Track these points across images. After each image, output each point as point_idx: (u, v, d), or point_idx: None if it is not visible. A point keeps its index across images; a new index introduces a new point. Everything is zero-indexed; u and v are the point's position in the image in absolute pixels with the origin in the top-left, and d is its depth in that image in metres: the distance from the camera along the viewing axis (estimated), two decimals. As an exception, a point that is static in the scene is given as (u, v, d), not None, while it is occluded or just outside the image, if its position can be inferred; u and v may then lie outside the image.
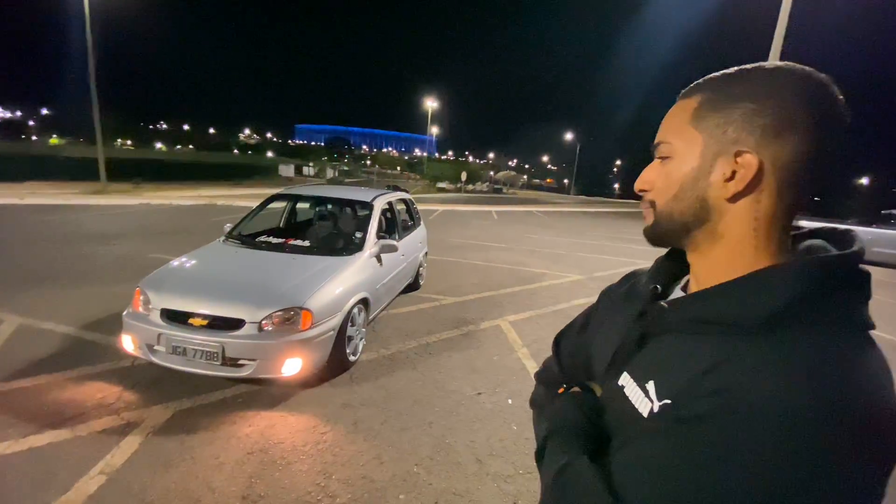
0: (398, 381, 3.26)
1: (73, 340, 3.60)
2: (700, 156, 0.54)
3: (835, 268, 0.48)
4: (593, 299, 0.81)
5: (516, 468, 2.42)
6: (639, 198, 0.62)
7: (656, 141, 0.59)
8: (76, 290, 4.78)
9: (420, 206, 7.05)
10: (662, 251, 0.68)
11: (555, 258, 8.66)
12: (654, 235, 0.61)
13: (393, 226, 4.97)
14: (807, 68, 0.51)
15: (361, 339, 3.59)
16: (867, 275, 0.49)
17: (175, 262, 3.48)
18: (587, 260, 8.59)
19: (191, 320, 2.85)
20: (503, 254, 8.72)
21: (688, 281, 0.63)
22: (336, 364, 3.21)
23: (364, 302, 3.57)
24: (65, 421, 2.56)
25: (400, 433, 2.64)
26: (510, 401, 3.10)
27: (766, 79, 0.51)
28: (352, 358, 3.37)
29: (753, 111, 0.50)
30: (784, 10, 9.51)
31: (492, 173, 68.80)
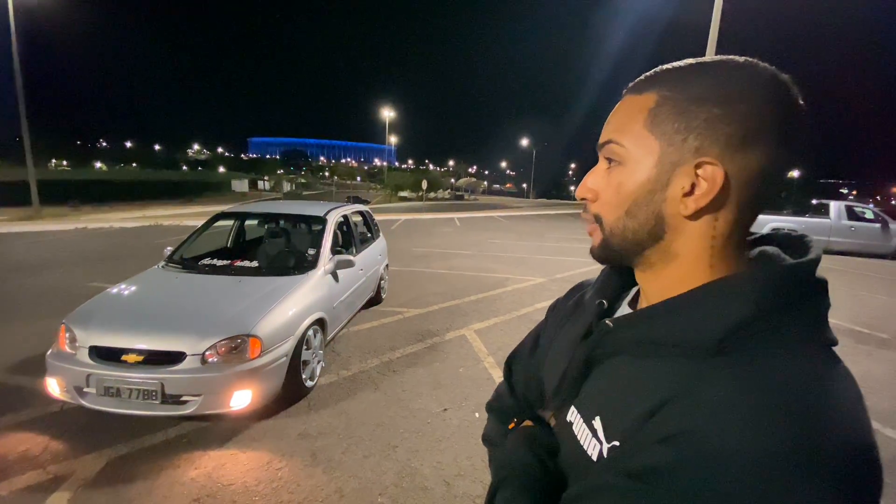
0: (359, 405, 3.11)
1: (-9, 387, 3.22)
2: (656, 165, 0.46)
3: (793, 278, 0.43)
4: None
5: (484, 487, 2.32)
6: None
7: (604, 139, 0.50)
8: (-3, 329, 4.31)
9: (382, 217, 6.91)
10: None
11: (517, 262, 8.71)
12: (603, 255, 0.53)
13: (349, 240, 4.81)
14: (771, 67, 0.45)
15: (319, 362, 3.41)
16: (824, 283, 0.45)
17: (106, 294, 3.18)
18: (548, 262, 8.69)
19: (124, 357, 2.59)
20: (467, 261, 8.69)
21: (636, 294, 0.57)
22: (291, 392, 3.01)
23: (320, 322, 3.40)
24: (-19, 480, 2.26)
25: (362, 461, 2.49)
26: (477, 415, 3.02)
27: (731, 78, 0.44)
28: (309, 384, 3.18)
29: (718, 117, 0.43)
30: (717, 9, 10.11)
31: (453, 180, 69.26)
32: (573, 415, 0.54)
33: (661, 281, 0.49)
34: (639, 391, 0.45)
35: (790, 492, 0.33)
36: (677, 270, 0.48)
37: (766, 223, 12.19)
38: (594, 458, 0.47)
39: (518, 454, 0.57)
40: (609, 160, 0.50)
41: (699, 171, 0.44)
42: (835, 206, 11.89)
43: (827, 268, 9.50)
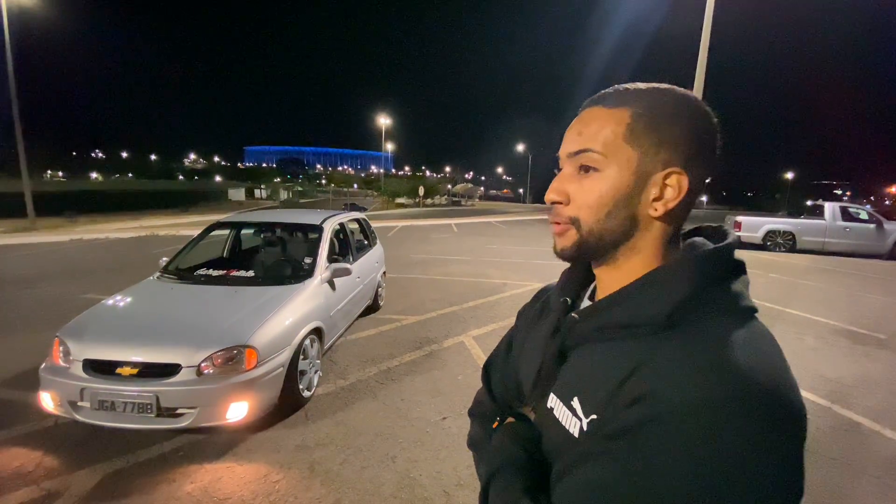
0: (358, 415, 3.08)
1: (-16, 402, 3.18)
2: (634, 174, 0.53)
3: (716, 260, 0.52)
4: None
5: (486, 497, 2.30)
6: None
7: (580, 148, 0.55)
8: (-10, 343, 4.27)
9: (379, 223, 6.91)
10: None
11: (515, 267, 8.71)
12: (576, 254, 0.58)
13: (346, 248, 4.79)
14: (701, 100, 0.56)
15: (316, 371, 3.38)
16: (739, 263, 0.54)
17: (100, 306, 3.15)
18: (546, 267, 8.68)
19: (118, 370, 2.56)
20: (464, 267, 8.67)
21: (594, 289, 0.64)
22: (288, 403, 2.98)
23: (317, 332, 3.38)
24: (-27, 498, 2.22)
25: (360, 472, 2.46)
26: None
27: (686, 105, 0.54)
28: (306, 394, 3.15)
29: (683, 134, 0.53)
30: (707, 16, 10.20)
31: (450, 186, 69.39)
32: (553, 401, 0.59)
33: (620, 273, 0.57)
34: (608, 369, 0.51)
35: (729, 430, 0.41)
36: (636, 263, 0.56)
37: (763, 225, 12.24)
38: (576, 434, 0.53)
39: (504, 448, 0.61)
40: (584, 167, 0.55)
41: (668, 180, 0.53)
42: (829, 208, 11.96)
43: (822, 268, 9.61)
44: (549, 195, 0.58)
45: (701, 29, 10.33)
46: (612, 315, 0.54)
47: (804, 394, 2.62)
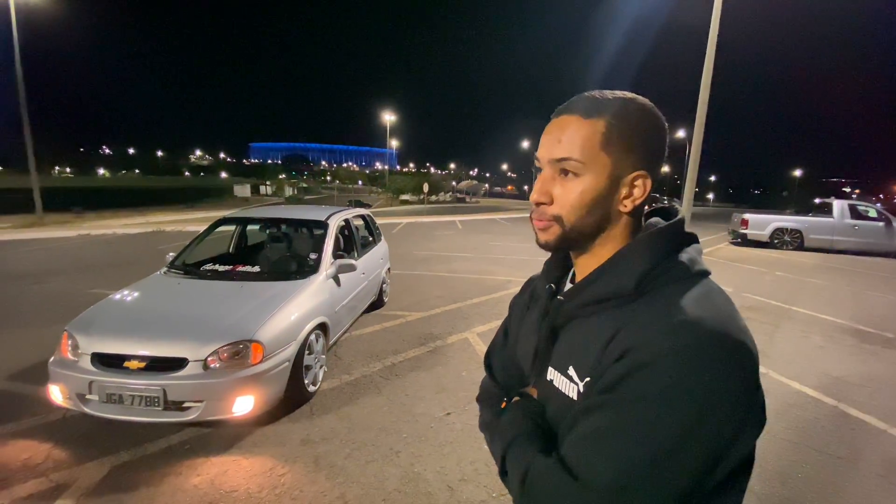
0: (362, 409, 3.09)
1: (-6, 395, 3.22)
2: (609, 177, 0.62)
3: (668, 235, 0.63)
4: None
5: (489, 492, 2.31)
6: None
7: (563, 156, 0.63)
8: (2, 337, 4.32)
9: (383, 220, 6.92)
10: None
11: (519, 264, 8.70)
12: (559, 245, 0.67)
13: (351, 244, 4.80)
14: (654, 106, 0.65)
15: (321, 366, 3.40)
16: (691, 235, 0.65)
17: (108, 300, 3.18)
18: (550, 264, 8.63)
19: (126, 363, 2.58)
20: (468, 263, 8.68)
21: (573, 274, 0.74)
22: (294, 397, 3.00)
23: (322, 327, 3.39)
24: (-17, 489, 2.25)
25: (365, 466, 2.48)
26: (480, 419, 3.00)
27: (649, 113, 0.63)
28: (311, 388, 3.17)
29: (646, 141, 0.63)
30: (716, 12, 10.09)
31: (454, 183, 69.26)
32: (552, 373, 0.67)
33: (595, 258, 0.67)
34: (594, 337, 0.60)
35: (696, 367, 0.51)
36: (608, 249, 0.66)
37: (770, 223, 12.13)
38: (574, 397, 0.61)
39: (515, 422, 0.68)
40: (565, 172, 0.64)
41: (636, 182, 0.63)
42: (838, 205, 11.84)
43: (830, 267, 9.52)
44: (535, 196, 0.66)
45: (708, 25, 10.22)
46: (590, 292, 0.63)
47: (810, 392, 2.60)
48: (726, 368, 0.51)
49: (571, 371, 0.62)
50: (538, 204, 0.66)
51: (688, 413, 0.49)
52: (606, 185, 0.63)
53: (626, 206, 0.64)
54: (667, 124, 0.65)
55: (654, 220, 0.70)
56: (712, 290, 0.59)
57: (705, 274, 0.61)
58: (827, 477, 2.51)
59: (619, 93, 0.64)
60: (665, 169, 0.70)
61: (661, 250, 0.61)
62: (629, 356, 0.53)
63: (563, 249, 0.69)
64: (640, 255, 0.61)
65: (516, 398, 0.73)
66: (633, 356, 0.53)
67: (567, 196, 0.64)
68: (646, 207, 0.68)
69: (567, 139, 0.63)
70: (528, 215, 0.70)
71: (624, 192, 0.63)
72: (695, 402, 0.49)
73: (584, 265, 0.68)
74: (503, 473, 0.66)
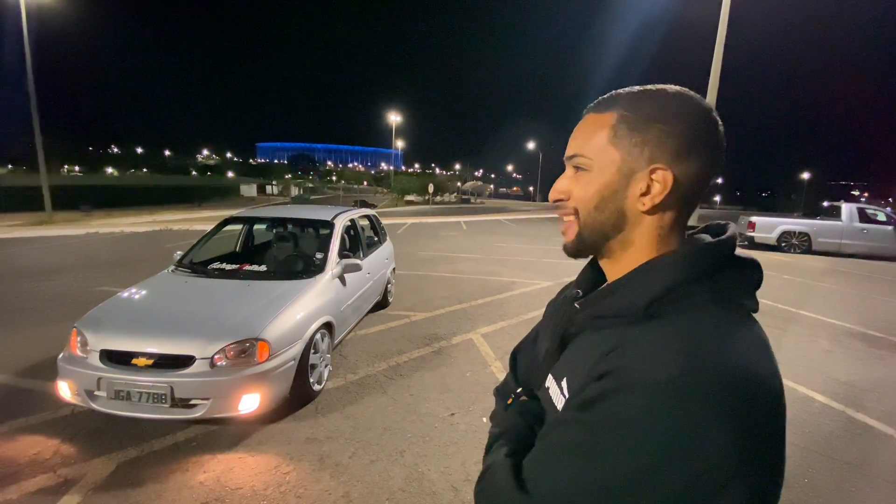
0: (367, 409, 3.11)
1: (5, 390, 3.27)
2: (618, 171, 0.58)
3: (705, 255, 0.54)
4: None
5: (493, 493, 2.31)
6: None
7: (572, 153, 0.61)
8: (11, 333, 4.38)
9: (388, 220, 6.94)
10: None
11: (524, 266, 8.68)
12: (577, 248, 0.63)
13: (357, 244, 4.82)
14: (697, 95, 0.57)
15: (326, 365, 3.42)
16: (747, 261, 0.56)
17: (116, 298, 3.22)
18: (556, 266, 8.64)
19: (134, 360, 2.61)
20: (473, 264, 8.68)
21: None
22: (299, 395, 3.02)
23: (328, 326, 3.41)
24: (-7, 483, 2.28)
25: (369, 466, 2.49)
26: (485, 419, 3.00)
27: (674, 102, 0.57)
28: (316, 387, 3.19)
29: (666, 132, 0.55)
30: (724, 14, 10.05)
31: (459, 184, 69.29)
32: (549, 381, 0.65)
33: (620, 265, 0.61)
34: (590, 353, 0.56)
35: (675, 408, 0.44)
36: (631, 255, 0.60)
37: (777, 226, 12.05)
38: (560, 409, 0.58)
39: (509, 419, 0.68)
40: (577, 168, 0.61)
41: (653, 176, 0.56)
42: (847, 209, 11.72)
43: (838, 270, 9.44)
44: (552, 194, 0.64)
45: (716, 27, 10.17)
46: (602, 306, 0.58)
47: (817, 396, 2.57)
48: (717, 416, 0.43)
49: (564, 383, 0.59)
50: (556, 202, 0.64)
51: (654, 452, 0.44)
52: (616, 180, 0.58)
53: (644, 204, 0.57)
54: (713, 116, 0.56)
55: (700, 236, 0.62)
56: (742, 329, 0.51)
57: (744, 309, 0.53)
58: (834, 482, 2.48)
59: (653, 86, 0.59)
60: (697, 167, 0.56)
61: (689, 272, 0.53)
62: (609, 377, 0.49)
63: (585, 252, 0.65)
64: (660, 274, 0.54)
65: (524, 397, 0.73)
66: (613, 378, 0.48)
67: (580, 189, 0.61)
68: (678, 209, 0.58)
69: (579, 136, 0.61)
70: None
71: (640, 187, 0.57)
72: (665, 443, 0.43)
73: (610, 273, 0.64)
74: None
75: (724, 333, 0.49)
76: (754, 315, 0.54)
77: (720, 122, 0.56)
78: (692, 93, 0.58)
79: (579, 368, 0.56)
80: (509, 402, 0.75)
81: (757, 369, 0.47)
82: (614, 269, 0.62)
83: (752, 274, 0.56)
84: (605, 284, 0.62)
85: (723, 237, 0.57)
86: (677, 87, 0.58)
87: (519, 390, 0.76)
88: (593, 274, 0.71)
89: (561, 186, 0.63)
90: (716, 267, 0.54)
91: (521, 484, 0.52)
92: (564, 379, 0.60)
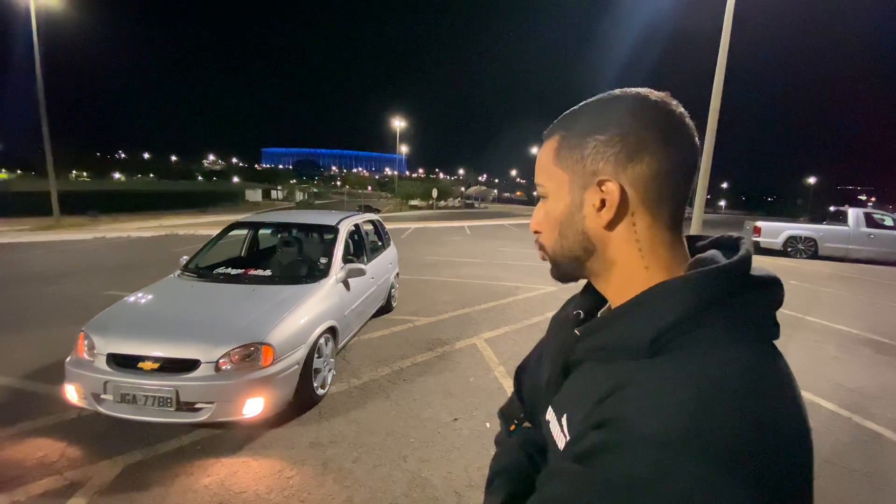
0: (370, 413, 3.11)
1: (12, 393, 3.30)
2: (569, 192, 0.56)
3: (718, 280, 0.47)
4: None
5: (496, 498, 2.30)
6: None
7: (536, 182, 0.60)
8: (18, 336, 4.42)
9: (392, 225, 6.97)
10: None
11: (528, 270, 8.68)
12: (558, 275, 0.61)
13: (361, 248, 4.85)
14: (641, 90, 0.54)
15: (330, 370, 3.43)
16: (765, 280, 0.49)
17: (123, 302, 3.25)
18: (559, 271, 8.60)
19: (140, 364, 2.64)
20: (477, 269, 8.68)
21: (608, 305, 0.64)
22: (303, 400, 3.03)
23: (332, 331, 3.42)
24: (0, 485, 2.30)
25: (372, 470, 2.49)
26: (488, 424, 3.00)
27: (606, 109, 0.54)
28: (320, 392, 3.20)
29: (603, 142, 0.52)
30: (728, 16, 10.05)
31: (463, 189, 69.40)
32: (549, 414, 0.60)
33: (613, 286, 0.57)
34: (590, 391, 0.50)
35: (675, 471, 0.37)
36: (620, 275, 0.55)
37: (783, 231, 11.98)
38: (561, 448, 0.54)
39: (511, 452, 0.66)
40: (542, 197, 0.60)
41: (602, 188, 0.53)
42: (853, 213, 11.65)
43: (845, 276, 9.36)
44: (532, 226, 0.63)
45: (720, 30, 10.18)
46: (601, 337, 0.53)
47: (824, 403, 2.55)
48: (736, 476, 0.37)
49: (564, 420, 0.55)
50: (535, 233, 0.62)
51: None
52: (569, 202, 0.56)
53: (601, 219, 0.53)
54: (662, 107, 0.52)
55: (709, 253, 0.54)
56: (764, 366, 0.44)
57: (763, 339, 0.47)
58: (841, 490, 2.46)
59: (597, 97, 0.58)
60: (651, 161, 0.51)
61: (701, 299, 0.46)
62: (609, 427, 0.43)
63: (569, 279, 0.61)
64: (668, 303, 0.47)
65: (527, 424, 0.71)
66: (612, 431, 0.43)
67: (543, 220, 0.60)
68: (647, 218, 0.53)
69: (537, 165, 0.61)
70: None
71: (594, 203, 0.53)
72: None
73: (607, 293, 0.59)
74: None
75: (741, 375, 0.42)
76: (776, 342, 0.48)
77: (676, 110, 0.52)
78: (637, 91, 0.54)
79: (578, 407, 0.52)
80: (512, 428, 0.73)
81: (782, 418, 0.41)
82: (609, 290, 0.58)
83: (773, 295, 0.48)
84: (604, 309, 0.60)
85: (737, 257, 0.49)
86: (620, 91, 0.55)
87: (522, 416, 0.74)
88: (594, 292, 0.66)
89: (536, 218, 0.62)
90: (731, 292, 0.47)
91: None
92: (564, 416, 0.55)
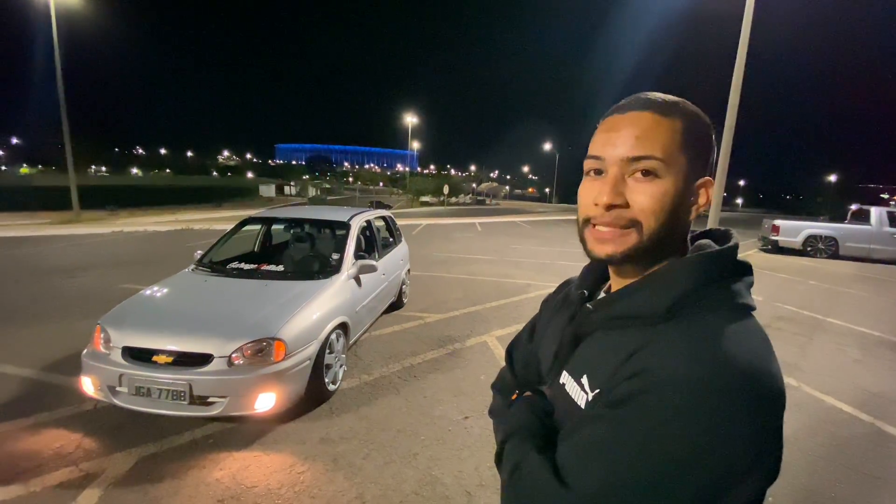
0: (381, 410, 3.11)
1: (30, 384, 3.36)
2: (685, 181, 0.59)
3: (715, 261, 0.58)
4: None
5: (507, 498, 2.28)
6: None
7: (640, 153, 0.58)
8: (37, 329, 4.51)
9: (404, 221, 6.97)
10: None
11: (539, 268, 8.61)
12: (632, 257, 0.61)
13: (372, 244, 4.84)
14: None
15: (341, 366, 3.43)
16: (744, 265, 0.60)
17: (138, 296, 3.29)
18: (571, 268, 8.46)
19: (155, 358, 2.66)
20: (488, 266, 8.64)
21: (609, 286, 0.72)
22: (314, 395, 3.04)
23: (343, 327, 3.43)
24: (17, 475, 2.34)
25: (383, 468, 2.49)
26: (499, 423, 2.97)
27: (705, 120, 0.62)
28: (331, 387, 3.21)
29: (710, 147, 0.62)
30: (748, 11, 9.80)
31: (475, 185, 69.21)
32: (565, 377, 0.67)
33: (641, 268, 0.63)
34: (613, 352, 0.58)
35: (706, 403, 0.48)
36: (653, 259, 0.62)
37: (803, 230, 11.69)
38: (582, 405, 0.61)
39: (520, 415, 0.69)
40: (646, 172, 0.58)
41: (702, 187, 0.61)
42: (876, 212, 11.31)
43: (867, 277, 9.11)
44: (607, 198, 0.58)
45: (739, 24, 9.93)
46: (620, 307, 0.61)
47: (845, 407, 2.49)
48: (743, 411, 0.48)
49: (584, 380, 0.62)
50: (611, 207, 0.59)
51: (688, 445, 0.47)
52: (683, 190, 0.59)
53: (693, 211, 0.61)
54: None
55: (704, 241, 0.65)
56: (750, 329, 0.55)
57: (748, 309, 0.57)
58: (861, 497, 2.39)
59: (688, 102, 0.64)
60: None
61: (705, 276, 0.57)
62: (643, 376, 0.52)
63: (631, 262, 0.62)
64: (681, 277, 0.57)
65: (528, 393, 0.74)
66: (647, 376, 0.51)
67: (649, 200, 0.58)
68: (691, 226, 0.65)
69: (646, 137, 0.58)
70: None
71: (693, 198, 0.61)
72: (698, 437, 0.47)
73: (625, 275, 0.65)
74: (499, 460, 0.67)
75: (740, 334, 0.53)
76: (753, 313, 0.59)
77: None
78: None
79: (602, 366, 0.59)
80: (513, 398, 0.76)
81: (770, 367, 0.52)
82: (632, 271, 0.64)
83: (751, 276, 0.60)
84: (622, 288, 0.63)
85: (730, 244, 0.61)
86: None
87: (527, 391, 0.76)
88: (596, 276, 0.76)
89: (620, 189, 0.59)
90: (725, 272, 0.58)
91: (560, 479, 0.53)
92: (585, 376, 0.62)
